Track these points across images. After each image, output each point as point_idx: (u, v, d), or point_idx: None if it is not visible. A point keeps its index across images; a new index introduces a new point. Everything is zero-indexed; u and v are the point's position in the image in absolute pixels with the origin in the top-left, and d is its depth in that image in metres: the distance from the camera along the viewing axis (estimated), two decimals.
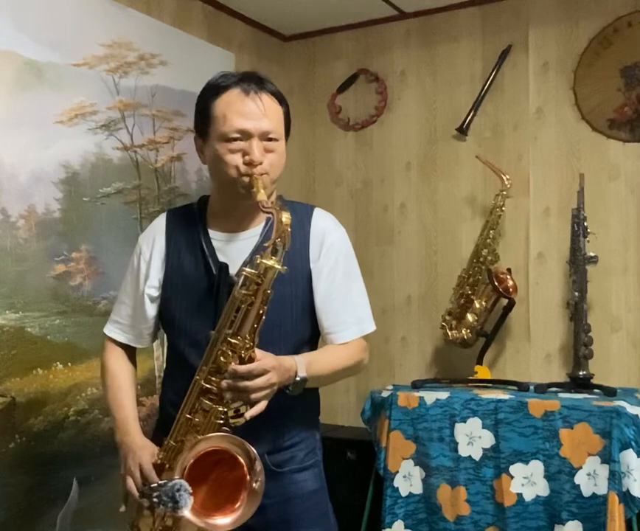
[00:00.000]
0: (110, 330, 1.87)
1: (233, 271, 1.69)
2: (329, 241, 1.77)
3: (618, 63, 3.06)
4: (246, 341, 1.56)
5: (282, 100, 1.76)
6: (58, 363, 2.50)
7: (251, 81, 1.70)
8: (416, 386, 3.01)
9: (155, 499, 1.50)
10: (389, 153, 3.55)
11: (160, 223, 1.85)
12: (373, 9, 3.42)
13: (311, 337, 1.81)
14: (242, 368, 1.54)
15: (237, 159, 1.67)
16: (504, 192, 3.14)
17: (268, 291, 1.55)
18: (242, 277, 1.56)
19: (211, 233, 1.77)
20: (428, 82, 3.46)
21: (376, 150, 3.58)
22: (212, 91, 1.72)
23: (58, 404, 2.49)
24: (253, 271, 1.55)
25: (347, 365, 1.79)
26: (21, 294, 2.39)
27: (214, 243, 1.76)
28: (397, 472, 2.85)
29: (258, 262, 1.54)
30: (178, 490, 1.48)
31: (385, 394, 2.96)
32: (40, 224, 2.46)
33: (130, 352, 1.89)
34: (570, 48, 3.16)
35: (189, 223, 1.80)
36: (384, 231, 3.55)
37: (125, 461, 1.68)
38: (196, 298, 1.73)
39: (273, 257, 1.54)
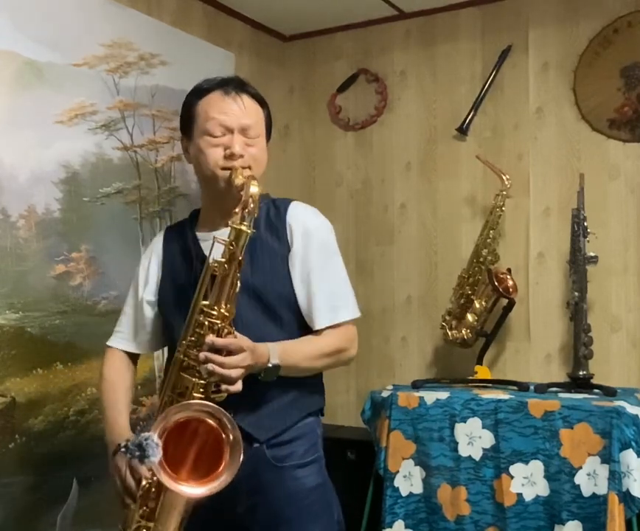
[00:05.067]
0: (112, 340, 1.94)
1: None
2: (303, 229, 1.80)
3: (618, 63, 3.06)
4: (222, 311, 1.60)
5: (262, 103, 1.84)
6: (58, 363, 2.50)
7: (232, 84, 1.79)
8: (416, 386, 3.01)
9: (122, 449, 1.52)
10: (389, 153, 3.55)
11: (159, 237, 1.96)
12: (373, 9, 3.42)
13: (296, 324, 1.81)
14: (220, 340, 1.58)
15: (218, 153, 1.74)
16: (504, 192, 3.14)
17: (240, 258, 1.60)
18: (215, 244, 1.62)
19: (199, 234, 1.85)
20: (428, 82, 3.46)
21: (376, 150, 3.58)
22: (195, 93, 1.82)
23: (58, 404, 2.49)
24: (224, 238, 1.60)
25: (326, 352, 1.79)
26: (21, 294, 2.39)
27: (202, 244, 1.82)
28: (397, 472, 2.85)
29: (228, 226, 1.61)
30: (146, 439, 1.48)
31: (385, 394, 2.96)
32: (40, 224, 2.46)
33: (132, 358, 1.94)
34: (570, 48, 3.16)
35: (182, 232, 1.89)
36: (384, 231, 3.55)
37: (111, 460, 1.69)
38: (183, 296, 1.77)
39: (244, 223, 1.59)
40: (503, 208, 3.14)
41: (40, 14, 2.46)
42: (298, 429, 1.79)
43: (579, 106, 3.14)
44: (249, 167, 1.73)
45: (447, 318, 3.16)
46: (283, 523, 1.75)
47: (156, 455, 1.48)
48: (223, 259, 1.60)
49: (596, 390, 2.82)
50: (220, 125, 1.74)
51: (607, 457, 2.51)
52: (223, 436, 1.53)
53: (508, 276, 3.13)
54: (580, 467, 2.57)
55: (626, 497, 2.47)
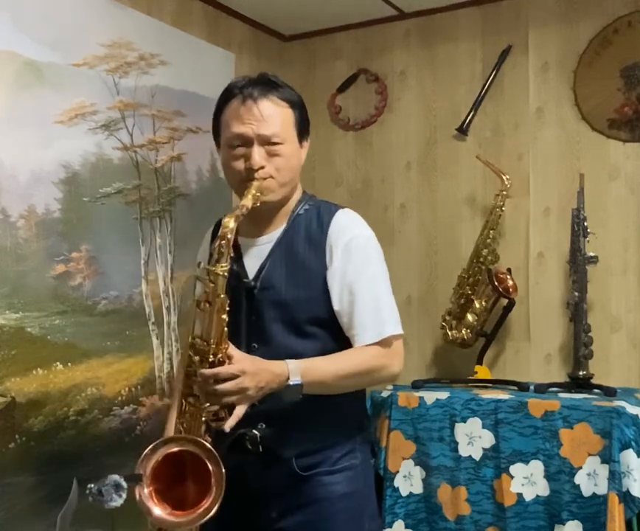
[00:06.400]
0: None
1: (250, 275, 1.74)
2: (343, 242, 1.71)
3: (618, 63, 3.06)
4: (212, 346, 1.55)
5: (293, 104, 1.76)
6: (58, 363, 2.49)
7: (256, 87, 1.72)
8: (416, 386, 3.01)
9: (87, 491, 1.52)
10: (389, 153, 3.55)
11: (209, 230, 1.92)
12: (373, 9, 3.42)
13: (331, 340, 1.74)
14: (208, 371, 1.53)
15: (240, 166, 1.71)
16: (504, 192, 3.14)
17: (222, 296, 1.55)
18: (196, 284, 1.62)
19: (240, 240, 1.78)
20: (428, 82, 3.46)
21: (376, 150, 3.58)
22: (222, 98, 1.77)
23: (58, 404, 2.49)
24: (204, 277, 1.57)
25: (359, 371, 1.70)
26: (21, 294, 2.39)
27: (242, 250, 1.78)
28: (398, 472, 2.85)
29: (202, 268, 1.58)
30: (106, 485, 1.48)
31: (385, 394, 2.96)
32: (40, 224, 2.46)
33: None
34: (570, 48, 3.16)
35: None
36: (384, 231, 3.54)
37: None
38: None
39: (218, 263, 1.56)
40: (503, 208, 3.14)
41: (40, 14, 2.46)
42: (332, 438, 1.73)
43: (579, 106, 3.14)
44: (271, 177, 1.69)
45: (447, 318, 3.16)
46: (306, 528, 1.71)
47: (116, 500, 1.49)
48: (203, 299, 1.56)
49: (596, 390, 2.82)
50: (239, 137, 1.69)
51: (607, 457, 2.51)
52: (213, 480, 1.50)
53: (508, 276, 3.13)
54: (580, 467, 2.57)
55: (626, 497, 2.47)
